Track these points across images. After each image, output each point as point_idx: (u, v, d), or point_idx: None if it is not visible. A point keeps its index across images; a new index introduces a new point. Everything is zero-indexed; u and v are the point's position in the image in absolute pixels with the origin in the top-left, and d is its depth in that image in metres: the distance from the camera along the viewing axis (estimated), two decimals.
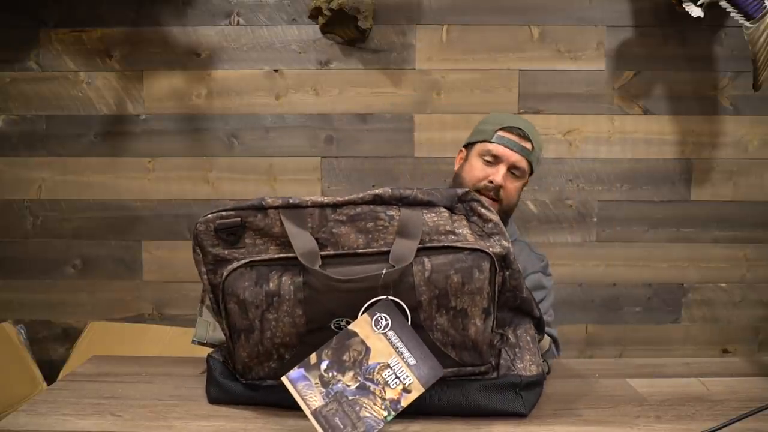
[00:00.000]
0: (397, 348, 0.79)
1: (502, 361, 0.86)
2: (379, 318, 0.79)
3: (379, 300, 0.80)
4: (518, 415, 0.84)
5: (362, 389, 0.77)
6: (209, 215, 0.86)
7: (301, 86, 1.95)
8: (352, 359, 0.79)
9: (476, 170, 1.41)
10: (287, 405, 0.80)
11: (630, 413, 0.87)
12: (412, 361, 0.79)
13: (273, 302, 0.81)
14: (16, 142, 1.97)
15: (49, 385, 1.62)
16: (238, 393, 0.87)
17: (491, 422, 0.83)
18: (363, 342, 0.79)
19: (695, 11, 1.67)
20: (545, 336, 1.00)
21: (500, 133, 1.41)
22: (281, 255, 0.83)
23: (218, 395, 0.89)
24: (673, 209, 1.98)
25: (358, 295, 0.80)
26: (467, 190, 0.88)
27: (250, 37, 1.94)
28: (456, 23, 1.93)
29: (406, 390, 0.77)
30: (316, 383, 0.78)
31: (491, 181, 1.38)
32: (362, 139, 1.96)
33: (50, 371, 1.83)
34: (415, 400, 0.77)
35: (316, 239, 0.83)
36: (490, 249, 0.83)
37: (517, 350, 0.88)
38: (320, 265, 0.81)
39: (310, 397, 0.77)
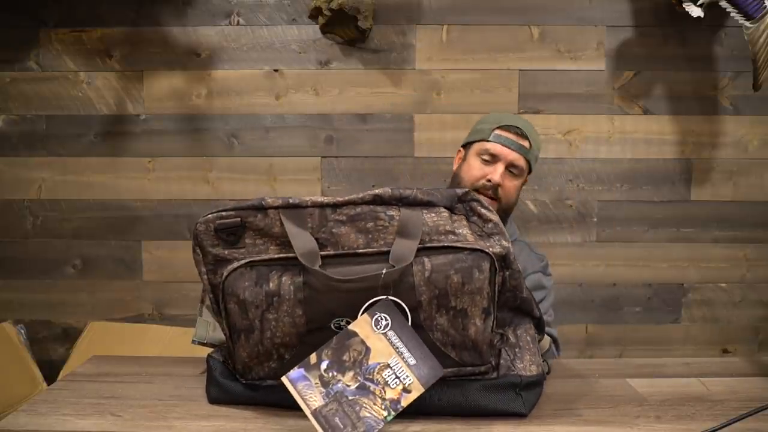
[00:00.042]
0: (397, 348, 0.79)
1: (502, 361, 0.86)
2: (379, 318, 0.79)
3: (379, 300, 0.80)
4: (518, 415, 0.84)
5: (362, 389, 0.77)
6: (209, 215, 0.86)
7: (301, 86, 1.95)
8: (352, 359, 0.79)
9: (474, 169, 1.41)
10: (287, 405, 0.80)
11: (630, 413, 0.87)
12: (412, 361, 0.79)
13: (273, 302, 0.81)
14: (16, 142, 1.97)
15: (49, 385, 1.62)
16: (238, 393, 0.87)
17: (491, 422, 0.83)
18: (363, 342, 0.79)
19: (695, 11, 1.67)
20: (545, 336, 1.00)
21: (497, 132, 1.41)
22: (281, 255, 0.83)
23: (218, 395, 0.89)
24: (673, 209, 1.98)
25: (358, 295, 0.80)
26: (467, 190, 0.88)
27: (250, 37, 1.94)
28: (456, 23, 1.93)
29: (406, 390, 0.77)
30: (316, 383, 0.78)
31: (489, 180, 1.38)
32: (362, 139, 1.97)
33: (50, 371, 1.83)
34: (415, 400, 0.77)
35: (316, 239, 0.83)
36: (490, 249, 0.83)
37: (517, 350, 0.88)
38: (320, 265, 0.81)
39: (310, 397, 0.77)
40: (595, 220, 1.98)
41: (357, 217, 0.84)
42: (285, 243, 0.83)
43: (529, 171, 1.46)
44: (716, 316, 2.00)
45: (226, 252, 0.85)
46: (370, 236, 0.84)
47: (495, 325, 0.85)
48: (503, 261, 0.85)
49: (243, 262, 0.83)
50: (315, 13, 1.88)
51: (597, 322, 2.00)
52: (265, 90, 1.96)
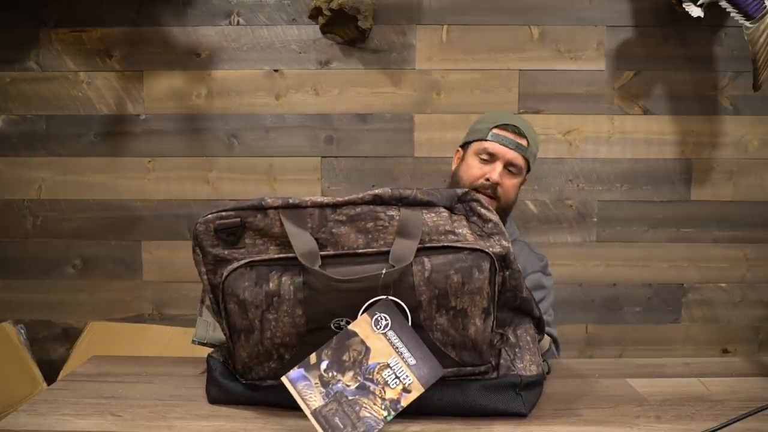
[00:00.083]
0: (397, 348, 0.79)
1: (502, 361, 0.86)
2: (379, 318, 0.79)
3: (379, 300, 0.80)
4: (518, 415, 0.84)
5: (362, 389, 0.77)
6: (209, 215, 0.86)
7: (301, 86, 1.95)
8: (352, 359, 0.79)
9: (473, 169, 1.41)
10: (287, 405, 0.80)
11: (630, 413, 0.87)
12: (412, 361, 0.79)
13: (273, 302, 0.81)
14: (16, 142, 1.97)
15: (49, 385, 1.62)
16: (238, 393, 0.87)
17: (491, 422, 0.83)
18: (363, 342, 0.79)
19: (695, 11, 1.67)
20: (545, 336, 1.00)
21: (495, 131, 1.41)
22: (281, 255, 0.83)
23: (218, 395, 0.89)
24: (673, 209, 1.98)
25: (358, 295, 0.80)
26: (467, 190, 0.88)
27: (250, 37, 1.94)
28: (456, 23, 1.93)
29: (406, 390, 0.77)
30: (316, 383, 0.78)
31: (488, 179, 1.38)
32: (362, 139, 1.97)
33: (50, 371, 1.83)
34: (415, 400, 0.77)
35: (316, 239, 0.83)
36: (490, 249, 0.83)
37: (517, 350, 0.88)
38: (320, 265, 0.81)
39: (310, 397, 0.77)
40: (595, 220, 1.98)
41: (357, 217, 0.84)
42: (285, 243, 0.83)
43: (528, 170, 1.46)
44: (716, 316, 2.00)
45: (225, 252, 0.85)
46: (369, 236, 0.84)
47: (495, 325, 0.85)
48: (503, 261, 0.85)
49: (243, 262, 0.83)
50: (315, 13, 1.88)
51: (597, 322, 2.00)
52: (265, 90, 1.96)
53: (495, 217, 0.87)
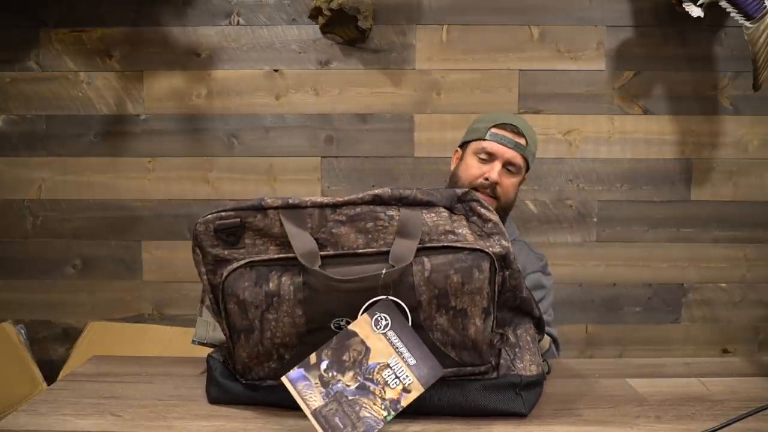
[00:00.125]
0: (397, 348, 0.79)
1: (502, 361, 0.86)
2: (379, 318, 0.79)
3: (379, 300, 0.80)
4: (518, 415, 0.84)
5: (362, 389, 0.77)
6: (209, 216, 0.86)
7: (301, 86, 1.95)
8: (351, 359, 0.79)
9: (472, 168, 1.41)
10: (287, 405, 0.80)
11: (630, 413, 0.87)
12: (412, 361, 0.79)
13: (273, 302, 0.81)
14: (16, 142, 1.97)
15: (49, 385, 1.62)
16: (238, 393, 0.87)
17: (491, 422, 0.83)
18: (363, 342, 0.79)
19: (695, 11, 1.67)
20: (545, 336, 1.00)
21: (493, 130, 1.41)
22: (281, 255, 0.83)
23: (218, 395, 0.89)
24: (673, 209, 1.98)
25: (358, 295, 0.80)
26: (467, 190, 0.88)
27: (250, 37, 1.94)
28: (456, 23, 1.93)
29: (405, 390, 0.77)
30: (316, 383, 0.78)
31: (487, 179, 1.38)
32: (362, 139, 1.97)
33: (50, 371, 1.83)
34: (414, 400, 0.77)
35: (316, 239, 0.83)
36: (490, 249, 0.83)
37: (517, 350, 0.88)
38: (320, 266, 0.81)
39: (310, 397, 0.77)
40: (595, 220, 1.98)
41: (357, 217, 0.84)
42: (285, 243, 0.83)
43: (527, 169, 1.46)
44: (716, 316, 2.00)
45: (225, 252, 0.85)
46: (369, 236, 0.84)
47: (495, 324, 0.85)
48: (503, 261, 0.85)
49: (243, 262, 0.83)
50: (315, 13, 1.88)
51: (597, 322, 2.00)
52: (265, 90, 1.96)
53: (495, 217, 0.87)
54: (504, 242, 0.85)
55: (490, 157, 1.40)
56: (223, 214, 0.85)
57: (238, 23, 1.94)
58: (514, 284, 0.87)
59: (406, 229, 0.83)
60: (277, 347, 0.83)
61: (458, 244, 0.82)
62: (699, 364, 1.10)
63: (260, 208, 0.85)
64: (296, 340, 0.82)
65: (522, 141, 1.41)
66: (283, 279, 0.81)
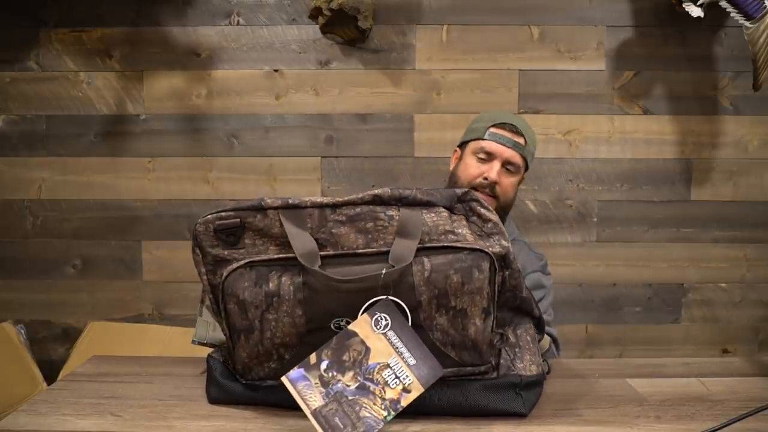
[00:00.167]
0: (397, 348, 0.79)
1: (502, 361, 0.86)
2: (379, 318, 0.79)
3: (379, 300, 0.80)
4: (518, 415, 0.84)
5: (362, 389, 0.77)
6: (208, 216, 0.86)
7: (301, 86, 1.95)
8: (351, 359, 0.79)
9: (471, 168, 1.41)
10: (287, 405, 0.80)
11: (630, 413, 0.87)
12: (411, 361, 0.79)
13: (273, 302, 0.81)
14: (16, 142, 1.97)
15: (49, 385, 1.62)
16: (238, 393, 0.87)
17: (491, 422, 0.83)
18: (363, 342, 0.79)
19: (695, 11, 1.67)
20: (545, 335, 1.00)
21: (492, 129, 1.41)
22: (281, 255, 0.83)
23: (218, 395, 0.89)
24: (673, 209, 1.98)
25: (357, 295, 0.80)
26: (467, 189, 0.88)
27: (250, 37, 1.95)
28: (456, 23, 1.93)
29: (405, 390, 0.77)
30: (316, 383, 0.78)
31: (486, 178, 1.38)
32: (362, 139, 1.96)
33: (50, 371, 1.83)
34: (414, 400, 0.77)
35: (316, 239, 0.83)
36: (490, 249, 0.83)
37: (517, 350, 0.88)
38: (320, 266, 0.81)
39: (310, 397, 0.77)
40: (595, 220, 1.98)
41: (356, 218, 0.84)
42: (284, 243, 0.83)
43: (526, 168, 1.46)
44: (716, 316, 2.00)
45: (225, 252, 0.85)
46: (369, 236, 0.84)
47: (495, 324, 0.85)
48: (503, 261, 0.85)
49: (242, 262, 0.83)
50: (315, 13, 1.88)
51: (597, 322, 2.00)
52: (265, 90, 1.96)
53: (495, 217, 0.87)
54: (504, 242, 0.85)
55: (489, 156, 1.40)
56: (222, 214, 0.85)
57: (238, 23, 1.94)
58: (514, 284, 0.87)
59: (405, 229, 0.83)
60: (277, 347, 0.83)
61: (458, 244, 0.82)
62: (699, 364, 1.10)
63: (260, 209, 0.85)
64: (296, 340, 0.82)
65: (521, 140, 1.41)
66: (283, 279, 0.81)
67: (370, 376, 0.78)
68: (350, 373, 0.78)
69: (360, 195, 0.85)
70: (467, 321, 0.81)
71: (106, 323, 1.94)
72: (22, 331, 1.87)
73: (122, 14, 1.93)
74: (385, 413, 0.76)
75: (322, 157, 1.97)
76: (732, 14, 1.61)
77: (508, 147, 1.39)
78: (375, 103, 1.96)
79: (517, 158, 1.41)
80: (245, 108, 1.96)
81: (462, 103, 1.94)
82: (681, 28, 1.91)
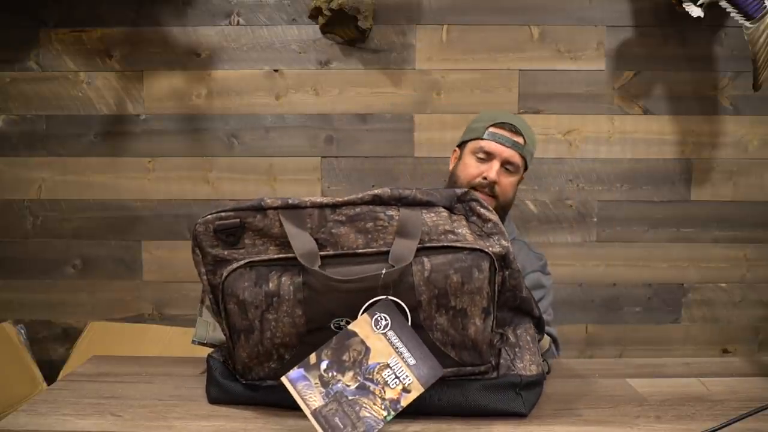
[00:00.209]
0: (397, 348, 0.79)
1: (502, 361, 0.86)
2: (379, 318, 0.79)
3: (379, 300, 0.80)
4: (518, 415, 0.84)
5: (362, 389, 0.77)
6: (208, 216, 0.86)
7: (301, 86, 1.95)
8: (351, 359, 0.79)
9: (470, 168, 1.41)
10: (287, 405, 0.80)
11: (630, 413, 0.86)
12: (411, 361, 0.79)
13: (273, 302, 0.81)
14: (16, 142, 1.97)
15: (49, 385, 1.62)
16: (238, 393, 0.87)
17: (491, 422, 0.83)
18: (363, 342, 0.79)
19: (695, 11, 1.67)
20: (545, 335, 1.00)
21: (491, 129, 1.41)
22: (281, 255, 0.83)
23: (218, 395, 0.89)
24: (673, 209, 1.98)
25: (357, 295, 0.80)
26: (466, 189, 0.88)
27: (250, 37, 1.95)
28: (456, 23, 1.93)
29: (405, 390, 0.77)
30: (316, 383, 0.78)
31: (485, 178, 1.38)
32: (362, 139, 1.97)
33: (50, 371, 1.83)
34: (414, 400, 0.77)
35: (316, 239, 0.83)
36: (490, 249, 0.83)
37: (517, 350, 0.88)
38: (320, 266, 0.81)
39: (310, 397, 0.77)
40: (595, 220, 1.98)
41: (356, 218, 0.84)
42: (284, 243, 0.83)
43: (525, 168, 1.46)
44: (716, 316, 2.00)
45: (225, 253, 0.85)
46: (369, 236, 0.84)
47: (495, 324, 0.85)
48: (503, 260, 0.85)
49: (242, 262, 0.83)
50: (315, 13, 1.88)
51: (597, 322, 2.00)
52: (265, 90, 1.96)
53: (494, 217, 0.87)
54: (504, 242, 0.85)
55: (488, 156, 1.40)
56: (222, 214, 0.85)
57: (238, 23, 1.94)
58: (513, 284, 0.87)
59: (405, 229, 0.83)
60: (277, 347, 0.83)
61: (458, 244, 0.82)
62: (699, 364, 1.10)
63: (260, 209, 0.85)
64: (296, 340, 0.82)
65: (520, 140, 1.41)
66: (283, 279, 0.81)
67: (370, 376, 0.78)
68: (350, 373, 0.78)
69: (360, 195, 0.85)
70: (467, 321, 0.81)
71: (106, 323, 1.94)
72: (22, 331, 1.87)
73: (122, 14, 1.93)
74: (385, 413, 0.76)
75: (322, 157, 1.97)
76: (732, 14, 1.61)
77: (508, 147, 1.40)
78: (375, 103, 1.96)
79: (516, 158, 1.41)
80: (245, 108, 1.96)
81: (462, 103, 1.94)
82: (681, 28, 1.91)
